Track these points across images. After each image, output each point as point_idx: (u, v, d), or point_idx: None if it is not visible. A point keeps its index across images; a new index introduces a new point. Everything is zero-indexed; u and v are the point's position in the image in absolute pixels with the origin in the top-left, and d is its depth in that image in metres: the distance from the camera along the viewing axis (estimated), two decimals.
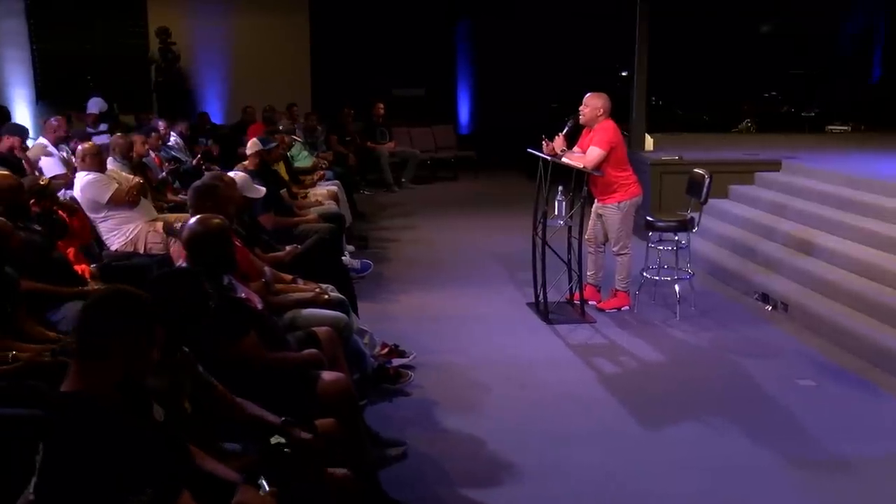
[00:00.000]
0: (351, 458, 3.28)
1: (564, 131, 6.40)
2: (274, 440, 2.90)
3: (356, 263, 6.22)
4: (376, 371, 4.88)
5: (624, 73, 13.30)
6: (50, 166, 7.75)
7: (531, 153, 6.62)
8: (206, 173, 9.30)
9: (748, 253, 7.54)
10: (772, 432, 4.48)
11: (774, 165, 9.02)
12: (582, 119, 6.40)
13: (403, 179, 12.89)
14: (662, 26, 10.61)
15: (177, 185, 8.49)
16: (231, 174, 5.26)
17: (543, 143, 6.41)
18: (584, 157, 6.26)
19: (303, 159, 9.48)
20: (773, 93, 16.25)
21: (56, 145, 8.07)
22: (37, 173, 7.09)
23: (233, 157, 11.25)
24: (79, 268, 5.08)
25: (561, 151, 6.30)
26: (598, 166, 6.20)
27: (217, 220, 3.54)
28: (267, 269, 4.55)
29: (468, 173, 13.88)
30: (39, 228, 4.74)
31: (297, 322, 4.22)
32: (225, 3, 14.09)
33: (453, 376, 5.25)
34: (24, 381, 3.40)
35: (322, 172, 9.18)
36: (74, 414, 2.10)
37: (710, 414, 4.72)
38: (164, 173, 8.21)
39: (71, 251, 5.22)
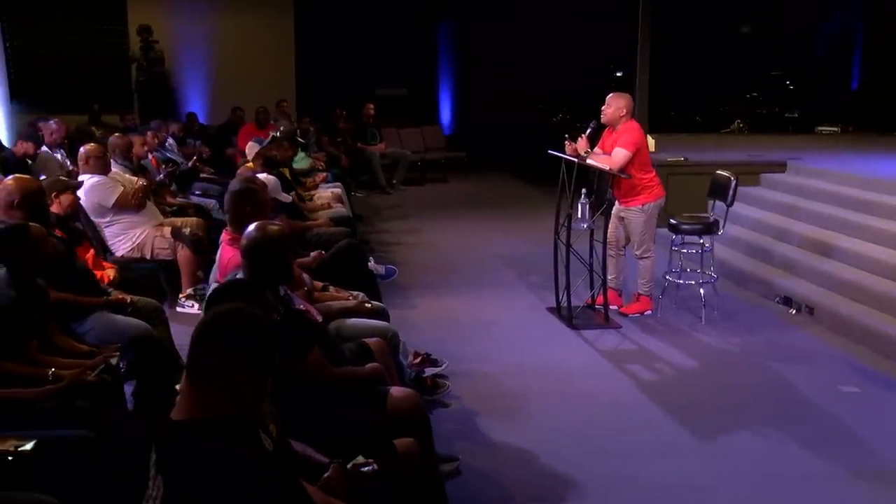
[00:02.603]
0: (427, 480, 3.10)
1: (587, 132, 6.23)
2: (357, 461, 2.73)
3: (381, 269, 6.03)
4: (413, 382, 4.68)
5: (619, 74, 13.23)
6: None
7: (553, 154, 6.44)
8: (200, 175, 9.17)
9: (763, 255, 7.46)
10: (829, 441, 4.36)
11: (780, 167, 8.97)
12: (604, 119, 6.24)
13: (394, 181, 12.67)
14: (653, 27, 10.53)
15: (173, 187, 8.22)
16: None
17: (566, 143, 6.25)
18: (608, 158, 6.12)
19: (300, 160, 9.21)
20: (755, 94, 16.34)
21: (52, 148, 7.73)
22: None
23: (222, 159, 11.02)
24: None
25: (584, 153, 6.14)
26: (624, 168, 6.05)
27: (276, 227, 3.34)
28: (306, 276, 4.34)
29: (458, 174, 13.70)
30: (60, 235, 4.48)
31: (342, 333, 4.01)
32: (208, 1, 13.78)
33: (489, 385, 5.08)
34: (73, 402, 3.19)
35: (324, 174, 8.94)
36: (191, 446, 1.89)
37: (760, 423, 4.59)
38: (161, 175, 7.92)
39: (88, 258, 4.97)
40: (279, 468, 2.05)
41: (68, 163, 7.95)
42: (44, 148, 7.91)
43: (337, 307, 4.23)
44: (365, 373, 3.36)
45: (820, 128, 13.13)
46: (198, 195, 8.40)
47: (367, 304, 4.36)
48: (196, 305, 6.33)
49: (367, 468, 2.69)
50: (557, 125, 13.91)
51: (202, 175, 9.03)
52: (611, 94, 6.28)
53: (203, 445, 1.88)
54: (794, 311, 6.48)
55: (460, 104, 16.86)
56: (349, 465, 2.66)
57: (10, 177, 4.35)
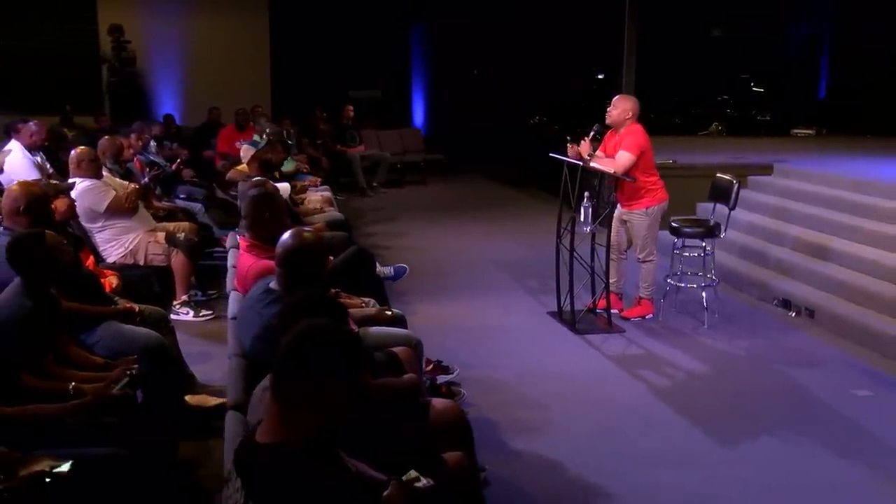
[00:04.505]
0: (473, 492, 3.01)
1: (591, 135, 6.18)
2: (410, 476, 2.63)
3: (389, 270, 5.91)
4: (428, 390, 4.57)
5: (600, 76, 13.22)
6: (24, 172, 7.13)
7: (555, 157, 6.38)
8: (182, 179, 8.96)
9: (758, 258, 7.47)
10: (849, 446, 4.35)
11: (766, 169, 9.01)
12: (609, 120, 6.20)
13: (375, 183, 12.54)
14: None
15: (157, 191, 8.01)
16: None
17: (568, 146, 6.20)
18: (613, 161, 6.07)
19: (286, 163, 9.04)
20: (726, 96, 16.45)
21: (31, 150, 7.46)
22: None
23: (200, 161, 10.80)
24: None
25: (588, 156, 6.09)
26: (628, 171, 6.01)
27: (309, 233, 3.22)
28: None
29: (436, 177, 13.60)
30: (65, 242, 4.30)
31: (367, 342, 3.87)
32: (181, 1, 13.52)
33: (502, 392, 5.00)
34: (99, 419, 3.04)
35: (316, 178, 8.78)
36: (284, 470, 1.77)
37: (780, 428, 4.56)
38: (145, 179, 7.70)
39: (89, 264, 4.80)
40: (368, 490, 1.94)
41: (48, 166, 7.71)
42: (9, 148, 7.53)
43: (358, 315, 4.11)
44: (404, 384, 3.26)
45: (795, 130, 13.26)
46: (182, 199, 8.20)
47: (386, 312, 4.26)
48: (191, 313, 6.17)
49: (422, 484, 2.59)
50: (534, 128, 13.89)
51: (185, 178, 8.83)
52: (617, 96, 6.27)
53: (296, 469, 1.78)
54: (793, 314, 6.49)
55: (433, 106, 16.79)
56: (405, 481, 2.56)
57: (15, 182, 4.18)
